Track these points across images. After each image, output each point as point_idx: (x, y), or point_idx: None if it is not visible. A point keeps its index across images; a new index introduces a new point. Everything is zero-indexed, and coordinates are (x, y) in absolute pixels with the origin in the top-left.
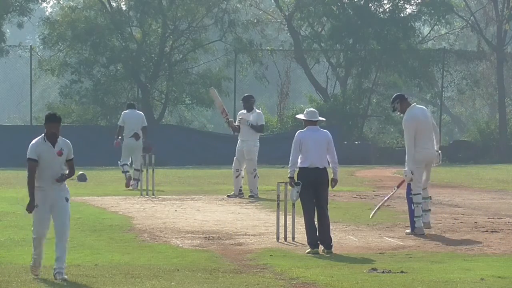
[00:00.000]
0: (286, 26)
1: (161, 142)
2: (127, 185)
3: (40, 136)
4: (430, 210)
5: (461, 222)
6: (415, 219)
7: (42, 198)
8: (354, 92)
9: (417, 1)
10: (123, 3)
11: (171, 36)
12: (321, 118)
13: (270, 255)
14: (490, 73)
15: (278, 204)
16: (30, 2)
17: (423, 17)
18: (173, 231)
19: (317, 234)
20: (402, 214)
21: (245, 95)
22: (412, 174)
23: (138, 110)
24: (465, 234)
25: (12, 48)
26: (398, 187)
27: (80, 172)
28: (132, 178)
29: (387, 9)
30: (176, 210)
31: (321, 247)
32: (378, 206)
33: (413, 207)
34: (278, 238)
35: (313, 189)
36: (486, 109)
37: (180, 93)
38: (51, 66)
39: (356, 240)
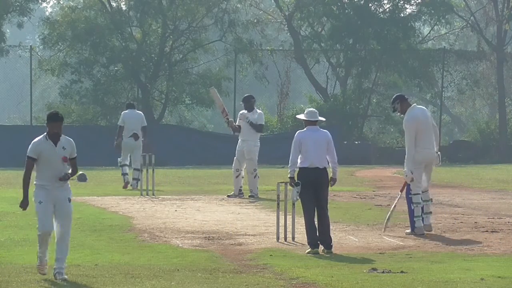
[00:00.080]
0: (286, 26)
1: (161, 142)
2: (125, 188)
3: (42, 135)
4: (431, 212)
5: (461, 222)
6: (415, 219)
7: (46, 195)
8: (354, 92)
9: (417, 1)
10: (123, 3)
11: (171, 36)
12: (321, 118)
13: (270, 255)
14: (490, 73)
15: (278, 204)
16: (30, 2)
17: (423, 17)
18: (173, 231)
19: (317, 234)
20: (402, 214)
21: (245, 95)
22: (412, 174)
23: (137, 110)
24: (465, 234)
25: (12, 48)
26: (401, 191)
27: (80, 172)
28: (132, 178)
29: (387, 9)
30: (176, 210)
31: (321, 247)
32: (387, 218)
33: (412, 207)
34: (278, 238)
35: (313, 189)
36: (486, 109)
37: (180, 93)
38: (51, 66)
39: (356, 240)
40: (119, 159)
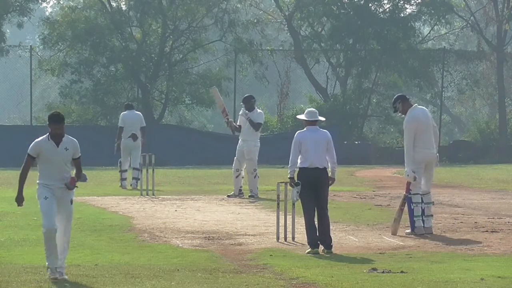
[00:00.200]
0: (286, 26)
1: (161, 142)
2: (123, 188)
3: (46, 135)
4: (432, 215)
5: (461, 222)
6: (414, 218)
7: (50, 192)
8: (354, 92)
9: (417, 1)
10: (123, 3)
11: (171, 36)
12: (321, 118)
13: (270, 255)
14: (490, 73)
15: (278, 204)
16: (30, 2)
17: (423, 17)
18: (173, 231)
19: (317, 234)
20: (402, 214)
21: (246, 95)
22: (414, 173)
23: (136, 111)
24: (465, 234)
25: (12, 48)
26: (406, 192)
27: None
28: (132, 178)
29: (387, 9)
30: (176, 210)
31: (321, 247)
32: (395, 220)
33: (412, 207)
34: (278, 238)
35: (313, 189)
36: (486, 109)
37: (180, 93)
38: (51, 66)
39: (356, 240)
40: (119, 160)
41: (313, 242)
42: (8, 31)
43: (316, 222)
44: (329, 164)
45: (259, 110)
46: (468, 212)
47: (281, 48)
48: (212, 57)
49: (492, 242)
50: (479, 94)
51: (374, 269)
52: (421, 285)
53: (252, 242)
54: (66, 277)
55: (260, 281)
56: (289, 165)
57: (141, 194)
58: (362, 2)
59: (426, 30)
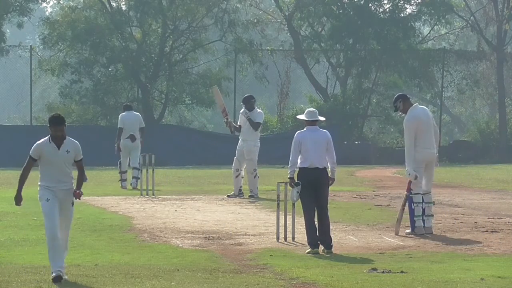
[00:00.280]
0: (286, 26)
1: (161, 142)
2: (123, 188)
3: (47, 137)
4: (432, 215)
5: (461, 222)
6: (415, 218)
7: (52, 194)
8: (354, 92)
9: (417, 1)
10: (123, 3)
11: (171, 36)
12: (321, 118)
13: (270, 255)
14: (490, 73)
15: (278, 204)
16: (30, 2)
17: (423, 17)
18: (173, 231)
19: (317, 234)
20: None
21: (245, 96)
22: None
23: (135, 111)
24: (465, 234)
25: (12, 48)
26: (408, 191)
27: None
28: (132, 177)
29: (387, 9)
30: (176, 210)
31: (321, 247)
32: (398, 220)
33: (413, 207)
34: (278, 238)
35: (313, 189)
36: (486, 109)
37: (180, 93)
38: (51, 66)
39: (356, 240)
40: (119, 160)
41: (313, 242)
42: (8, 31)
43: (316, 222)
44: (329, 164)
45: (259, 110)
46: (468, 212)
47: (281, 48)
48: (212, 57)
49: (492, 242)
50: (479, 94)
51: (374, 269)
52: (421, 285)
53: (252, 242)
54: (66, 277)
55: (260, 281)
56: (289, 165)
57: (141, 194)
58: (362, 2)
59: (426, 30)
